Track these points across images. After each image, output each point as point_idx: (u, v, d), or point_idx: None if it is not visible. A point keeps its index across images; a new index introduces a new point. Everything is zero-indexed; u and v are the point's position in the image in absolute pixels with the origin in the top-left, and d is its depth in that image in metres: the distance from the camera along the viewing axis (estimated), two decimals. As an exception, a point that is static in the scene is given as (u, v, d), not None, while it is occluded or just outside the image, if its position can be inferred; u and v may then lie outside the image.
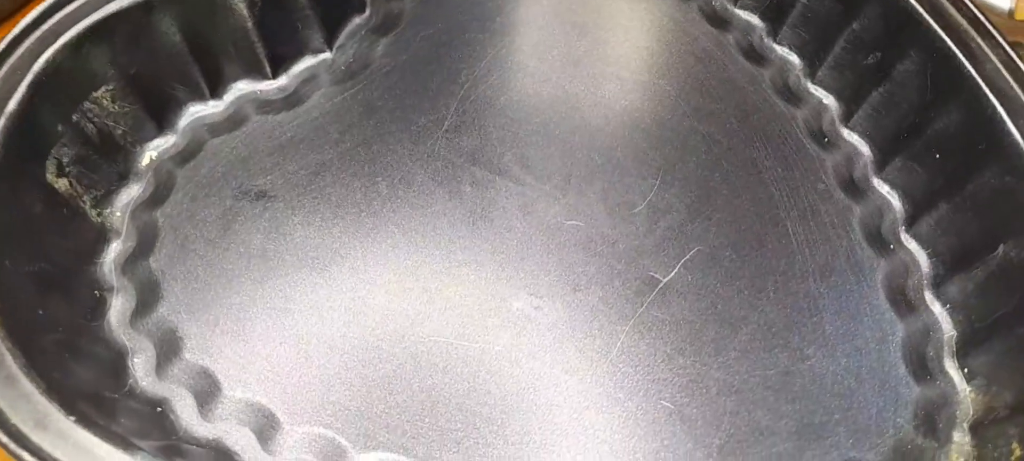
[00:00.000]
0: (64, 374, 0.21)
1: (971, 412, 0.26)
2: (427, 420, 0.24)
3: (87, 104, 0.26)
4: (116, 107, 0.27)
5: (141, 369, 0.24)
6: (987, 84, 0.27)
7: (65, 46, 0.25)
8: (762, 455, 0.24)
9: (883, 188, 0.31)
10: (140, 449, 0.19)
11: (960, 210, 0.28)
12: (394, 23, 0.33)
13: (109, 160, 0.27)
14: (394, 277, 0.27)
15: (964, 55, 0.27)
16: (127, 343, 0.24)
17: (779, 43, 0.34)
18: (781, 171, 0.31)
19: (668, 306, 0.27)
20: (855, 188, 0.31)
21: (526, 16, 0.34)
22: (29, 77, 0.24)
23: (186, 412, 0.23)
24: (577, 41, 0.34)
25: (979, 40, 0.28)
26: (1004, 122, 0.26)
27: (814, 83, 0.33)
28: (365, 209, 0.28)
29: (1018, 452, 0.23)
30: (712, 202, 0.29)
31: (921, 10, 0.29)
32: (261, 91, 0.31)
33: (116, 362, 0.24)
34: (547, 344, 0.26)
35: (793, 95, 0.33)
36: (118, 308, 0.25)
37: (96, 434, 0.19)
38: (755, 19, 0.35)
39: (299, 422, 0.24)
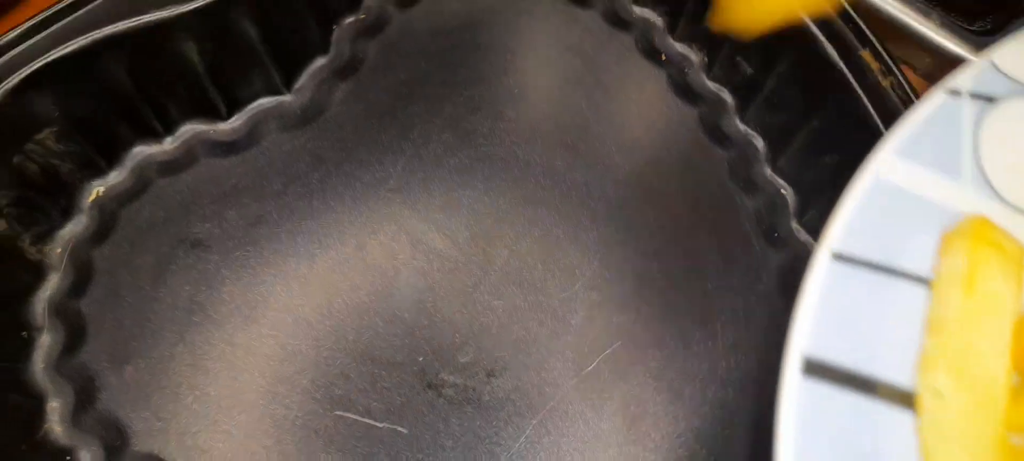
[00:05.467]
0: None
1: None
2: (319, 500, 0.25)
3: (29, 145, 0.27)
4: (61, 146, 0.28)
5: (56, 416, 0.25)
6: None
7: (5, 93, 0.26)
8: None
9: (824, 296, 0.30)
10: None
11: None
12: (356, 67, 0.33)
13: (52, 198, 0.28)
14: (313, 348, 0.27)
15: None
16: (49, 387, 0.26)
17: (745, 122, 0.33)
18: (722, 264, 0.30)
19: (579, 403, 0.27)
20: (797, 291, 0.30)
21: (489, 71, 0.34)
22: (-34, 124, 0.25)
23: (92, 465, 0.24)
24: (538, 104, 0.33)
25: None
26: None
27: (774, 170, 0.32)
28: (293, 269, 0.28)
29: None
30: (644, 295, 0.29)
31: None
32: (214, 131, 0.31)
33: (32, 408, 0.25)
34: (452, 430, 0.26)
35: (751, 183, 0.32)
36: (44, 349, 0.26)
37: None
38: (726, 94, 0.34)
39: (197, 487, 0.25)
